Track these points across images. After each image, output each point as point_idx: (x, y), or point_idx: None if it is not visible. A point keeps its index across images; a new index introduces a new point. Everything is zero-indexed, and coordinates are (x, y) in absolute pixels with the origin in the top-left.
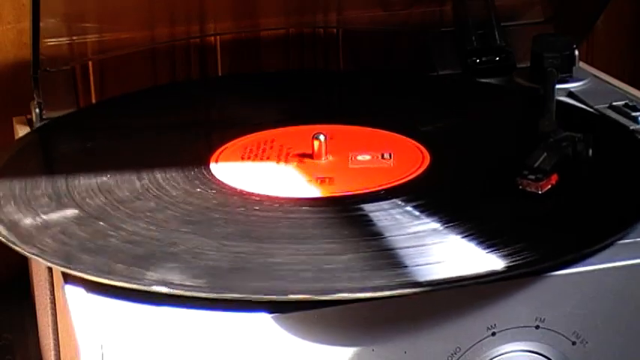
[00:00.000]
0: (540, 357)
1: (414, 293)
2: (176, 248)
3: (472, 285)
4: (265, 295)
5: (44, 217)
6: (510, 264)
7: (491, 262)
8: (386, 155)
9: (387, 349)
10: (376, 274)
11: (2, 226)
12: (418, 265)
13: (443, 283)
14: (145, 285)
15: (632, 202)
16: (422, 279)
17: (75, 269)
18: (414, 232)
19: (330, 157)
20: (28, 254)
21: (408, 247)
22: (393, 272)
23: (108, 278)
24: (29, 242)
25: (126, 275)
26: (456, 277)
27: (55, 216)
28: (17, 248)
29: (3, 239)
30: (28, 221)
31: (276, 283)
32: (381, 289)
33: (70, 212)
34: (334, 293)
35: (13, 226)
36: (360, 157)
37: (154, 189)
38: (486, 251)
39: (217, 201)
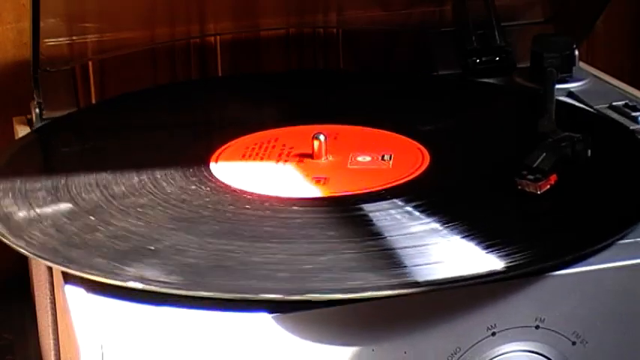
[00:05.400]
0: (540, 357)
1: (410, 294)
2: (160, 245)
3: (471, 285)
4: (237, 293)
5: (39, 212)
6: (509, 264)
7: (490, 262)
8: (386, 157)
9: (387, 349)
10: (366, 274)
11: None
12: (416, 266)
13: (441, 284)
14: (120, 280)
15: (632, 202)
16: (420, 279)
17: (57, 262)
18: (413, 232)
19: (330, 157)
20: (17, 247)
21: (406, 247)
22: (386, 273)
23: (86, 272)
24: (19, 236)
25: (104, 270)
26: (455, 278)
27: (49, 212)
28: (8, 242)
29: None
30: (22, 217)
31: (252, 283)
32: (364, 290)
33: (65, 209)
34: (304, 293)
35: (7, 222)
36: (360, 158)
37: (152, 187)
38: (485, 251)
39: (210, 199)
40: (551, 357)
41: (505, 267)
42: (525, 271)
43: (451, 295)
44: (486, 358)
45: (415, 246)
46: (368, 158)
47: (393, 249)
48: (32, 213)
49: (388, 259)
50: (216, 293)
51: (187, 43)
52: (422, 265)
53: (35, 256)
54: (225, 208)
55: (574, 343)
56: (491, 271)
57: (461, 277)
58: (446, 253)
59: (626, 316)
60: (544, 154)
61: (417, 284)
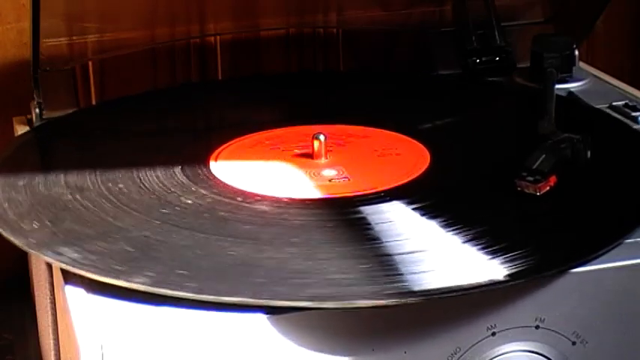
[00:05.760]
0: (540, 357)
1: (406, 304)
2: (159, 244)
3: (468, 294)
4: (234, 297)
5: (41, 214)
6: (509, 272)
7: (489, 269)
8: (381, 148)
9: (386, 350)
10: (364, 281)
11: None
12: (414, 273)
13: (437, 294)
14: (118, 279)
15: (632, 204)
16: (415, 289)
17: (56, 258)
18: (412, 236)
19: (330, 157)
20: (26, 248)
21: (404, 253)
22: (384, 280)
23: (85, 270)
24: (24, 236)
25: (102, 269)
26: (452, 288)
27: (50, 213)
28: (9, 237)
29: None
30: (24, 217)
31: (249, 286)
32: (361, 298)
33: (64, 207)
34: (299, 300)
35: (9, 222)
36: (358, 153)
37: (152, 187)
38: (485, 257)
39: (209, 199)
40: (551, 357)
41: (505, 276)
42: (524, 280)
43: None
44: (486, 358)
45: (413, 251)
46: (366, 152)
47: (391, 254)
48: (32, 212)
49: (386, 265)
50: (213, 297)
51: (187, 43)
52: (420, 272)
53: (36, 252)
54: (225, 207)
55: (574, 343)
56: (490, 280)
57: (458, 287)
58: (445, 259)
59: (626, 316)
60: (543, 155)
61: (416, 294)
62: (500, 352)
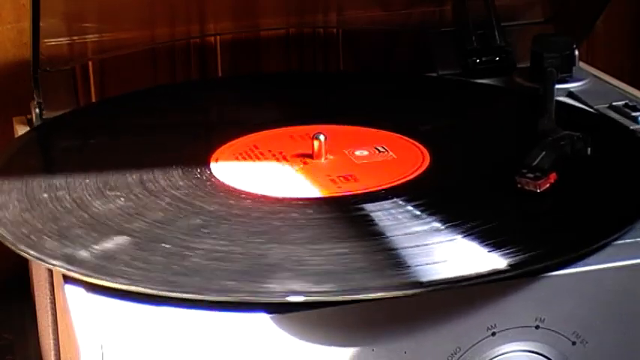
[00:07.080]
0: (540, 357)
1: (412, 295)
2: (159, 246)
3: (472, 285)
4: (236, 295)
5: (41, 216)
6: (510, 263)
7: (491, 262)
8: (380, 148)
9: (387, 349)
10: (368, 275)
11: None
12: (418, 266)
13: (443, 284)
14: (119, 282)
15: (632, 201)
16: (419, 280)
17: (69, 269)
18: (414, 232)
19: (330, 157)
20: (25, 254)
21: (406, 248)
22: (387, 273)
23: (87, 275)
24: (25, 242)
25: (103, 272)
26: (457, 278)
27: (52, 215)
28: (15, 248)
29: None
30: (26, 221)
31: (251, 284)
32: (366, 290)
33: (64, 210)
34: (305, 295)
35: (10, 226)
36: (357, 153)
37: (152, 187)
38: (486, 251)
39: (210, 199)
40: (551, 357)
41: (507, 266)
42: (526, 271)
43: (451, 295)
44: (486, 358)
45: (416, 246)
46: (365, 152)
47: (394, 249)
48: (35, 218)
49: (389, 259)
50: (214, 297)
51: (187, 43)
52: (423, 265)
53: (34, 259)
54: (225, 208)
55: (574, 343)
56: (493, 270)
57: (463, 277)
58: (446, 253)
59: (626, 316)
60: (544, 152)
61: (419, 284)
62: (500, 352)
